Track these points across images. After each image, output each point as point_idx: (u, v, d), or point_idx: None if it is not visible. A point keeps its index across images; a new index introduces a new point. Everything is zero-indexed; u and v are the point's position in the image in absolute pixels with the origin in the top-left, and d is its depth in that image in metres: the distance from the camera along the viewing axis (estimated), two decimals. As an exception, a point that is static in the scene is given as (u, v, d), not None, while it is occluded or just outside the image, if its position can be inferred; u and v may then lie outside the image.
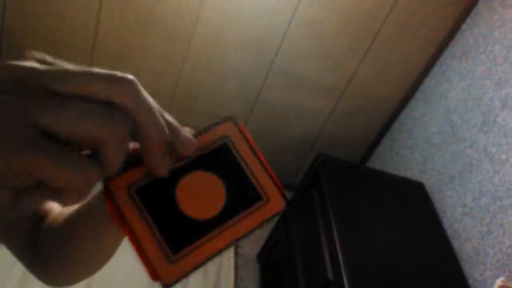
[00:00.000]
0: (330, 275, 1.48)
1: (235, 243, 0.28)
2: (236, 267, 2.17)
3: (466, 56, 2.01)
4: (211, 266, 2.10)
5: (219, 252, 0.28)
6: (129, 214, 0.27)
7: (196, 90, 2.30)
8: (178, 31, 2.08)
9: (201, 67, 2.21)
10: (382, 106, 2.38)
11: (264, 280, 2.12)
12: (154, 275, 0.27)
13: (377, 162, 2.49)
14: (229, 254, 2.17)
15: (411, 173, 2.16)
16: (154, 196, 0.28)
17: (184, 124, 2.43)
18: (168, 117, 0.29)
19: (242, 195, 0.30)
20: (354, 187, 1.81)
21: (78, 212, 0.44)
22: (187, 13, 2.02)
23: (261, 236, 2.19)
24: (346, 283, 1.39)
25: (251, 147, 0.31)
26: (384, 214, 1.73)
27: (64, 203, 0.24)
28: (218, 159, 0.31)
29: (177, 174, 0.29)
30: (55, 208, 0.53)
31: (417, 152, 2.18)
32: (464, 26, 2.07)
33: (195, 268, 0.27)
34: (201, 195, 0.29)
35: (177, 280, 0.27)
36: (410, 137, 2.27)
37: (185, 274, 0.27)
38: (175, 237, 0.28)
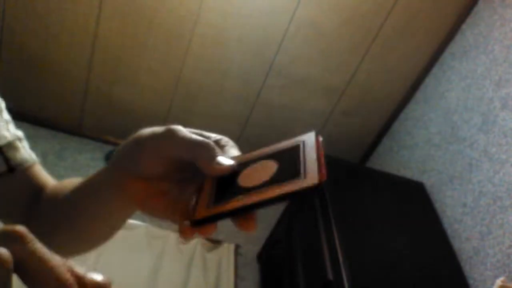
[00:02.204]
0: (330, 275, 1.47)
1: (259, 205, 0.33)
2: (236, 267, 2.16)
3: (466, 56, 2.01)
4: (211, 265, 2.10)
5: (242, 207, 0.34)
6: (204, 189, 0.37)
7: (196, 90, 2.30)
8: (178, 31, 2.08)
9: (201, 67, 2.21)
10: (382, 106, 2.38)
11: (264, 280, 2.12)
12: (193, 215, 0.35)
13: (377, 162, 2.49)
14: (229, 254, 2.17)
15: (411, 173, 2.16)
16: (226, 177, 0.37)
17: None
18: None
19: (285, 172, 0.35)
20: (354, 187, 1.81)
21: (87, 187, 0.45)
22: (187, 13, 2.02)
23: (261, 236, 2.19)
24: (346, 283, 1.39)
25: (317, 148, 0.37)
26: (384, 214, 1.73)
27: None
28: (285, 152, 0.38)
29: (247, 164, 0.38)
30: (50, 181, 0.53)
31: (417, 152, 2.18)
32: (464, 26, 2.07)
33: (221, 213, 0.34)
34: (257, 173, 0.36)
35: (204, 219, 0.34)
36: (410, 137, 2.27)
37: (213, 216, 0.34)
38: (221, 194, 0.35)
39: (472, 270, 1.61)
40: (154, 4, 2.00)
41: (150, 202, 0.41)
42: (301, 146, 0.38)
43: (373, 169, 2.00)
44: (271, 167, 0.37)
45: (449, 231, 1.79)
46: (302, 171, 0.34)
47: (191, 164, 0.39)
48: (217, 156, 0.38)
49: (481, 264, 1.58)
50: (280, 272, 1.93)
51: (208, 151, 0.38)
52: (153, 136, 0.39)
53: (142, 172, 0.40)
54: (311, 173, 0.34)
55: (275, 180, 0.35)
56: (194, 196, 0.39)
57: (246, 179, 0.36)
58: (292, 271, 1.77)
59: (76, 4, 2.00)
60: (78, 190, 0.46)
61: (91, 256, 1.94)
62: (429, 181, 2.01)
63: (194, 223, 0.35)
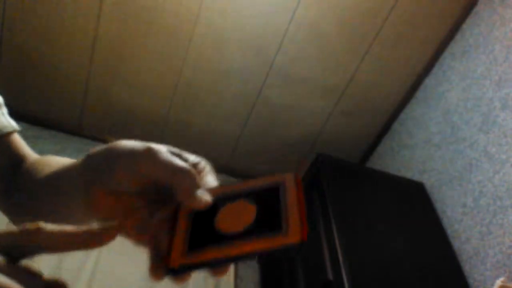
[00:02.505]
0: (330, 275, 1.47)
1: (238, 258, 0.32)
2: (236, 267, 2.16)
3: (466, 56, 2.01)
4: (211, 266, 2.10)
5: (221, 259, 0.32)
6: (178, 226, 0.36)
7: (195, 90, 2.30)
8: (178, 31, 2.08)
9: (201, 67, 2.21)
10: (382, 106, 2.38)
11: (264, 280, 2.12)
12: (168, 261, 0.33)
13: (377, 162, 2.49)
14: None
15: (411, 173, 2.16)
16: (202, 214, 0.36)
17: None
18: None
19: (266, 222, 0.34)
20: (354, 187, 1.81)
21: (57, 180, 0.43)
22: (187, 13, 2.02)
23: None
24: (346, 283, 1.39)
25: (297, 195, 0.36)
26: (384, 214, 1.73)
27: None
28: (264, 194, 0.37)
29: (225, 200, 0.37)
30: (32, 154, 0.52)
31: (417, 152, 2.18)
32: (464, 26, 2.07)
33: (198, 264, 0.33)
34: (235, 217, 0.35)
35: (182, 267, 0.33)
36: (410, 137, 2.27)
37: (189, 265, 0.33)
38: (196, 239, 0.34)
39: (472, 270, 1.61)
40: (154, 4, 2.00)
41: (112, 217, 0.39)
42: (281, 189, 0.37)
43: (373, 169, 2.00)
44: (250, 211, 0.35)
45: (449, 231, 1.79)
46: (283, 224, 0.33)
47: (167, 188, 0.37)
48: (197, 187, 0.36)
49: (481, 264, 1.58)
50: (280, 272, 1.93)
51: (188, 180, 0.36)
52: (132, 153, 0.37)
53: (112, 186, 0.38)
54: (293, 228, 0.33)
55: (255, 230, 0.34)
56: (168, 231, 0.37)
57: (223, 222, 0.35)
58: (292, 271, 1.77)
59: (76, 4, 2.00)
60: (48, 180, 0.44)
61: (91, 257, 1.94)
62: (429, 181, 2.01)
63: (169, 271, 0.33)
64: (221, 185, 0.39)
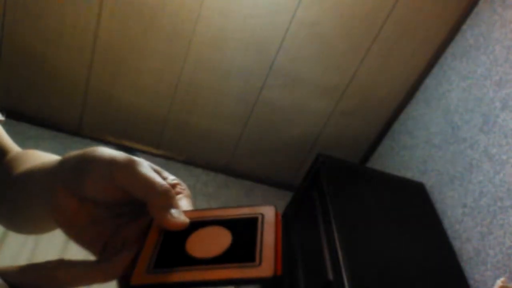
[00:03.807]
0: (330, 276, 1.47)
1: (206, 284, 0.31)
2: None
3: (467, 56, 2.01)
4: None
5: (187, 283, 0.31)
6: (146, 244, 0.34)
7: (196, 90, 2.30)
8: (178, 31, 2.08)
9: (201, 67, 2.21)
10: (382, 106, 2.38)
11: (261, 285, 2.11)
12: (130, 278, 0.32)
13: (377, 163, 2.49)
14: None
15: (412, 173, 2.16)
16: (174, 235, 0.34)
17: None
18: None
19: (239, 252, 0.33)
20: (354, 187, 1.81)
21: (28, 176, 0.42)
22: (187, 13, 2.02)
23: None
24: (346, 283, 1.39)
25: (275, 229, 0.34)
26: (385, 215, 1.73)
27: None
28: (241, 223, 0.35)
29: (199, 224, 0.35)
30: (14, 147, 0.51)
31: (417, 152, 2.18)
32: (464, 27, 2.07)
33: (161, 285, 0.31)
34: (208, 242, 0.34)
35: (143, 286, 0.31)
36: (410, 137, 2.27)
37: (151, 285, 0.31)
38: (164, 259, 0.33)
39: (473, 271, 1.61)
40: (155, 4, 1.99)
41: (75, 224, 0.37)
42: (260, 220, 0.35)
43: (373, 169, 2.00)
44: (224, 238, 0.34)
45: (449, 232, 1.79)
46: (257, 255, 0.32)
47: (138, 203, 0.36)
48: (172, 207, 0.35)
49: (482, 264, 1.58)
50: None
51: (165, 198, 0.34)
52: (110, 161, 0.35)
53: (81, 192, 0.36)
54: (267, 261, 0.31)
55: (227, 258, 0.32)
56: (132, 245, 0.35)
57: (195, 246, 0.33)
58: (292, 271, 1.77)
59: (76, 4, 2.00)
60: (19, 177, 0.43)
61: (91, 257, 1.93)
62: (429, 181, 2.01)
63: (129, 287, 0.31)
64: (195, 210, 0.37)
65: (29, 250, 1.91)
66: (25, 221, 0.44)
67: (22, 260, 1.86)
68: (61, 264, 0.30)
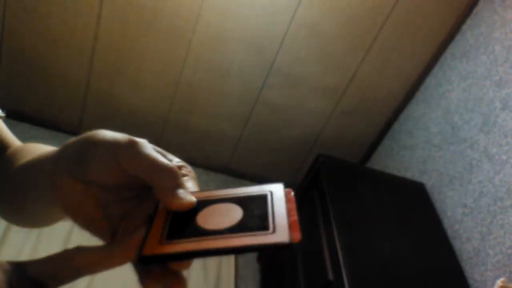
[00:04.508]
0: (330, 276, 1.47)
1: (220, 252, 0.30)
2: (236, 267, 2.16)
3: (467, 56, 2.01)
4: (211, 265, 2.10)
5: (201, 252, 0.30)
6: (155, 223, 0.33)
7: (196, 90, 2.30)
8: (178, 31, 2.08)
9: (201, 67, 2.21)
10: (382, 106, 2.38)
11: (264, 280, 2.12)
12: (141, 250, 0.31)
13: (377, 163, 2.49)
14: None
15: (412, 173, 2.16)
16: (182, 214, 0.34)
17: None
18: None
19: (252, 222, 0.32)
20: (354, 188, 1.81)
21: (27, 172, 0.41)
22: (187, 13, 2.02)
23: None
24: (346, 283, 1.39)
25: (286, 202, 0.34)
26: (385, 215, 1.73)
27: None
28: (251, 199, 0.35)
29: (208, 203, 0.35)
30: (15, 142, 0.51)
31: (417, 152, 2.18)
32: (464, 27, 2.07)
33: (174, 254, 0.30)
34: (219, 216, 0.33)
35: (155, 256, 0.30)
36: (410, 137, 2.27)
37: (164, 256, 0.30)
38: (175, 231, 0.32)
39: (473, 271, 1.61)
40: (155, 4, 1.99)
41: (82, 210, 0.35)
42: (269, 196, 0.35)
43: (373, 169, 2.00)
44: (235, 213, 0.33)
45: (449, 232, 1.79)
46: (270, 224, 0.32)
47: (144, 186, 0.35)
48: (179, 187, 0.34)
49: (482, 264, 1.58)
50: (280, 273, 1.93)
51: (171, 179, 0.33)
52: (113, 144, 0.34)
53: (85, 176, 0.34)
54: (282, 229, 0.31)
55: (240, 228, 0.32)
56: (143, 227, 0.34)
57: (206, 220, 0.33)
58: (292, 271, 1.77)
59: (76, 4, 2.00)
60: (20, 169, 0.42)
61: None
62: (429, 181, 2.01)
63: (142, 260, 0.30)
64: (204, 190, 0.37)
65: (31, 246, 1.92)
66: (28, 213, 0.43)
67: (24, 256, 1.87)
68: (79, 250, 0.30)
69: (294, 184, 2.71)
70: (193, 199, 0.34)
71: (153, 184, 0.34)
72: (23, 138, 0.54)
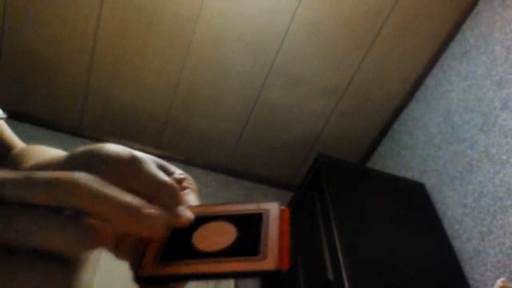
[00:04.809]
0: (330, 276, 1.47)
1: (211, 276, 0.32)
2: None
3: (467, 56, 2.01)
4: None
5: (193, 275, 0.32)
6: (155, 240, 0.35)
7: (196, 90, 2.30)
8: (178, 31, 2.08)
9: (201, 67, 2.21)
10: (382, 106, 2.38)
11: (264, 280, 2.11)
12: (137, 270, 0.32)
13: (377, 163, 2.49)
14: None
15: (412, 173, 2.16)
16: (180, 230, 0.36)
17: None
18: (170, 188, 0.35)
19: (244, 245, 0.34)
20: (354, 188, 1.81)
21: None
22: (187, 13, 2.02)
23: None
24: (346, 283, 1.39)
25: (280, 224, 0.35)
26: (385, 215, 1.73)
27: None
28: (246, 218, 0.37)
29: (205, 220, 0.36)
30: (19, 143, 0.51)
31: (417, 152, 2.18)
32: (464, 27, 2.07)
33: (168, 276, 0.32)
34: (214, 236, 0.35)
35: (151, 277, 0.32)
36: (410, 137, 2.27)
37: (158, 277, 0.32)
38: (171, 252, 0.34)
39: (473, 271, 1.61)
40: (155, 4, 1.99)
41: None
42: (264, 216, 0.36)
43: (373, 169, 2.00)
44: (229, 233, 0.35)
45: (449, 232, 1.79)
46: (262, 249, 0.33)
47: (146, 199, 0.36)
48: (178, 204, 0.35)
49: (482, 264, 1.58)
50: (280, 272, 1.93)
51: (169, 195, 0.35)
52: (117, 159, 0.35)
53: None
54: (272, 255, 0.32)
55: (232, 251, 0.33)
56: (143, 243, 0.36)
57: (201, 240, 0.35)
58: (292, 271, 1.77)
59: (76, 4, 2.00)
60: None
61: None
62: (429, 181, 2.01)
63: (138, 280, 0.32)
64: (202, 205, 0.38)
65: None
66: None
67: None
68: None
69: (294, 184, 2.71)
70: (191, 216, 0.35)
71: (153, 200, 0.34)
72: (23, 138, 0.54)
